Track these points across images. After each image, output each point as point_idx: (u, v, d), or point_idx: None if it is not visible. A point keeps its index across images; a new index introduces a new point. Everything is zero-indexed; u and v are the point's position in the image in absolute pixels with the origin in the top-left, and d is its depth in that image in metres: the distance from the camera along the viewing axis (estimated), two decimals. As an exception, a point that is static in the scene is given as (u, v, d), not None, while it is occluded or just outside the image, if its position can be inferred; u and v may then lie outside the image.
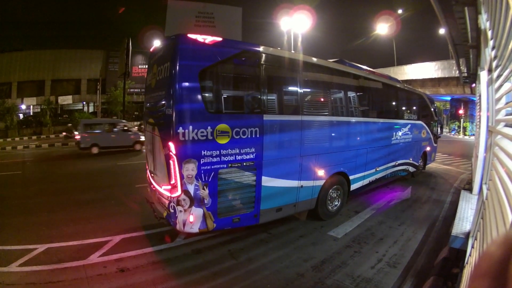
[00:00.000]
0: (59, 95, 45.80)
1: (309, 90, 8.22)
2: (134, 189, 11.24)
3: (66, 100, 46.73)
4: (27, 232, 7.41)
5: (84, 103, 49.79)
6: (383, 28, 43.28)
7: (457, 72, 23.37)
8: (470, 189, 8.79)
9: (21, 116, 43.83)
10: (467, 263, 4.32)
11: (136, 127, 20.24)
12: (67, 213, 8.81)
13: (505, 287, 0.50)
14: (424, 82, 41.15)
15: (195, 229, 5.95)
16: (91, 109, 49.75)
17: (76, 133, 24.25)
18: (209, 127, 5.72)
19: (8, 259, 6.05)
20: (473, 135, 33.54)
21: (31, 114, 45.50)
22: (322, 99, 8.65)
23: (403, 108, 12.62)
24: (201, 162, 5.73)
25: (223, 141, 5.91)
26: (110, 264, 5.93)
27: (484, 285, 0.53)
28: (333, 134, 8.39)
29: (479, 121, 9.14)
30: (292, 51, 8.34)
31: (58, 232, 7.40)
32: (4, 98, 39.48)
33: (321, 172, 7.96)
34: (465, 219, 6.49)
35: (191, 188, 5.72)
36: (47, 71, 44.96)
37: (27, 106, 45.09)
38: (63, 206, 9.49)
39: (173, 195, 5.88)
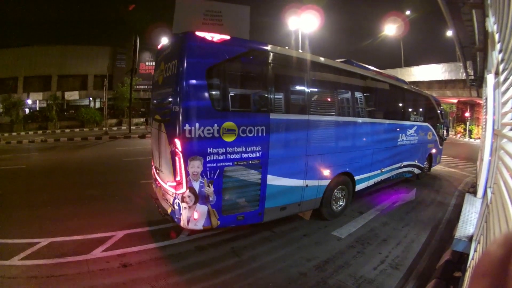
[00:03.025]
0: (65, 90, 45.75)
1: (316, 89, 8.22)
2: (139, 185, 11.29)
3: (72, 95, 46.72)
4: (30, 226, 7.49)
5: (91, 99, 49.86)
6: (390, 29, 43.33)
7: (464, 74, 23.26)
8: (474, 192, 8.77)
9: (27, 110, 44.00)
10: (469, 266, 4.32)
11: None
12: (71, 207, 8.89)
13: (505, 286, 0.51)
14: (430, 84, 41.01)
15: (199, 226, 5.97)
16: (97, 105, 49.82)
17: None
18: (215, 125, 5.74)
19: (10, 252, 6.11)
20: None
21: (37, 109, 45.64)
22: (329, 99, 8.65)
23: (410, 109, 12.58)
24: (207, 159, 5.75)
25: (229, 139, 5.92)
26: (113, 259, 5.97)
27: (484, 284, 0.54)
28: (339, 134, 8.40)
29: (485, 124, 9.10)
30: (300, 51, 8.32)
31: (62, 227, 7.46)
32: (10, 92, 39.68)
33: (326, 172, 7.96)
34: (468, 222, 6.48)
35: (196, 185, 5.74)
36: (53, 66, 44.90)
37: (33, 101, 45.17)
38: (67, 200, 9.57)
39: (178, 192, 5.91)
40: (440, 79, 39.77)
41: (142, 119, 46.63)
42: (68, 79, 46.83)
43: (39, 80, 44.67)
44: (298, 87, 7.84)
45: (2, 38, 42.99)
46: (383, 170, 10.41)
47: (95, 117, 43.15)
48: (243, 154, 6.16)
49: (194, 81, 5.66)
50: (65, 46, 46.33)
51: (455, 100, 45.65)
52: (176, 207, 6.08)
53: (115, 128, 42.78)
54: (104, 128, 37.06)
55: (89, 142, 27.18)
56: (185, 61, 5.60)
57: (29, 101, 44.47)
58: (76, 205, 9.15)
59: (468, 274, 4.11)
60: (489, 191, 4.45)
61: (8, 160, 17.43)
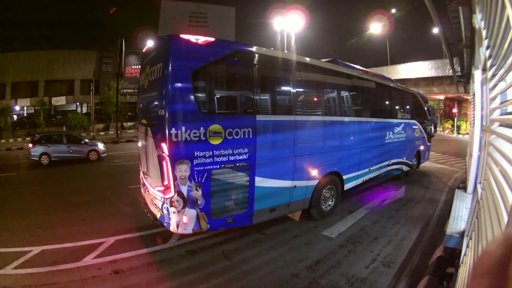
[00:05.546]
0: (52, 96, 45.28)
1: (302, 90, 8.22)
2: (128, 190, 11.20)
3: (59, 101, 46.26)
4: (22, 234, 7.41)
5: (78, 104, 49.42)
6: (376, 27, 43.53)
7: (451, 71, 23.48)
8: (464, 188, 8.81)
9: (15, 117, 43.53)
10: (462, 262, 4.32)
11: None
12: (62, 215, 8.80)
13: (505, 286, 0.49)
14: (417, 81, 41.37)
15: (189, 230, 5.92)
16: (84, 110, 49.40)
17: None
18: (201, 128, 5.69)
19: (3, 261, 6.07)
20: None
21: (25, 115, 45.17)
22: (315, 99, 8.64)
23: (397, 107, 12.67)
24: (194, 163, 5.70)
25: (216, 141, 5.88)
26: (105, 265, 5.93)
27: (484, 284, 0.52)
28: (326, 134, 8.39)
29: (473, 120, 9.17)
30: (285, 51, 8.34)
31: (53, 234, 7.40)
32: (-1, 99, 39.28)
33: (314, 172, 7.94)
34: (459, 218, 6.51)
35: (184, 189, 5.70)
36: (40, 72, 44.40)
37: (20, 107, 44.66)
38: (57, 208, 9.48)
39: (166, 196, 5.85)
40: (427, 76, 40.12)
41: (130, 123, 46.31)
42: (55, 84, 46.36)
43: (26, 86, 44.16)
44: (284, 88, 7.82)
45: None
46: (371, 168, 10.44)
47: (82, 122, 42.71)
48: (230, 157, 6.12)
49: (179, 84, 5.61)
50: (52, 50, 45.78)
51: (442, 97, 46.12)
52: (165, 212, 6.02)
53: (102, 133, 42.37)
54: (91, 133, 36.78)
55: (77, 148, 26.84)
56: (170, 64, 5.55)
57: (17, 108, 43.98)
58: (66, 211, 9.08)
59: (461, 270, 4.11)
60: (479, 186, 4.45)
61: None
